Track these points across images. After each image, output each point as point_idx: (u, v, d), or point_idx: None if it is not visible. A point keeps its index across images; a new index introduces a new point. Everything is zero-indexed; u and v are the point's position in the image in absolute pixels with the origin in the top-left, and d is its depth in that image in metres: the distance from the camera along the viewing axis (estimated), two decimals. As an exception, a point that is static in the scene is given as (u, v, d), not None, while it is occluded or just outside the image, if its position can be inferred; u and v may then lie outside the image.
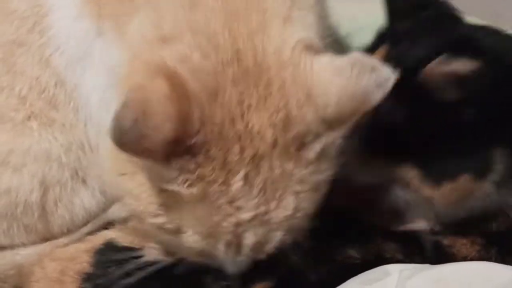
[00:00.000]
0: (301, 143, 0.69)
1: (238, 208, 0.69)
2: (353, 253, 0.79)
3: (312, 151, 0.70)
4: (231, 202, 0.69)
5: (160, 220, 0.72)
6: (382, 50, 0.84)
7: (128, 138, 0.63)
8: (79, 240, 0.91)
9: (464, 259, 0.79)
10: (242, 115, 0.68)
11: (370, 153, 0.81)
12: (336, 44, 0.90)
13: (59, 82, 0.88)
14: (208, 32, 0.71)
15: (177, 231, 0.72)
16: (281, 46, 0.70)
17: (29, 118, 0.89)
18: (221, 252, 0.72)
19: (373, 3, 0.94)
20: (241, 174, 0.68)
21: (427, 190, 0.80)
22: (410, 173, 0.80)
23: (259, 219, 0.70)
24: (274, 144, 0.68)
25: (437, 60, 0.74)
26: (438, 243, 0.81)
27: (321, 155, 0.70)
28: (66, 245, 0.91)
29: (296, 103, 0.68)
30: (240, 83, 0.69)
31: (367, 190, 0.83)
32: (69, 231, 0.94)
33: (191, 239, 0.71)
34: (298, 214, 0.71)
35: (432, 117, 0.77)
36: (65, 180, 0.90)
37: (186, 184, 0.68)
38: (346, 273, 0.76)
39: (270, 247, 0.72)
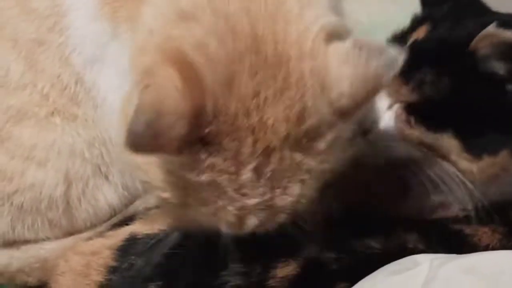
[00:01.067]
0: (314, 135, 0.69)
1: (244, 195, 0.70)
2: (374, 243, 0.80)
3: (324, 142, 0.70)
4: (238, 189, 0.70)
5: (166, 195, 0.73)
6: (421, 31, 0.85)
7: (143, 141, 0.64)
8: (101, 234, 0.92)
9: (486, 247, 0.80)
10: (257, 108, 0.68)
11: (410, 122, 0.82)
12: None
13: (79, 81, 0.89)
14: (227, 13, 0.69)
15: (182, 206, 0.72)
16: (303, 34, 0.69)
17: (52, 113, 0.90)
18: (224, 229, 0.73)
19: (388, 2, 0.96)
20: (252, 165, 0.69)
21: (466, 163, 0.81)
22: (450, 144, 0.80)
23: (263, 205, 0.71)
24: (287, 137, 0.68)
25: (488, 28, 0.75)
26: (461, 232, 0.82)
27: (332, 146, 0.70)
28: (89, 238, 0.93)
29: (312, 96, 0.68)
30: (258, 74, 0.68)
31: (403, 168, 0.84)
32: (92, 226, 0.95)
33: (195, 215, 0.73)
34: (302, 200, 0.72)
35: (477, 91, 0.78)
36: (87, 176, 0.92)
37: (196, 172, 0.68)
38: (367, 263, 0.77)
39: (271, 226, 0.73)
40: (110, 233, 0.92)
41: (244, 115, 0.67)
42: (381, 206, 0.84)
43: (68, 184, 0.91)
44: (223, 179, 0.69)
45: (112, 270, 0.86)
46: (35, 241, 0.95)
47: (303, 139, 0.69)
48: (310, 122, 0.68)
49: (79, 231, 0.95)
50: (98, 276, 0.86)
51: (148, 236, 0.86)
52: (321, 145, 0.70)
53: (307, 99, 0.68)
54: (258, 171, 0.69)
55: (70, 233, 0.95)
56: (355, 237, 0.81)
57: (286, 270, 0.80)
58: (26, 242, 0.95)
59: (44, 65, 0.89)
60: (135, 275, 0.84)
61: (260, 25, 0.69)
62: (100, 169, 0.92)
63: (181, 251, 0.83)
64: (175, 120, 0.63)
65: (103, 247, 0.89)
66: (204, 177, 0.69)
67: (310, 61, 0.69)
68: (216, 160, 0.68)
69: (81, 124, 0.91)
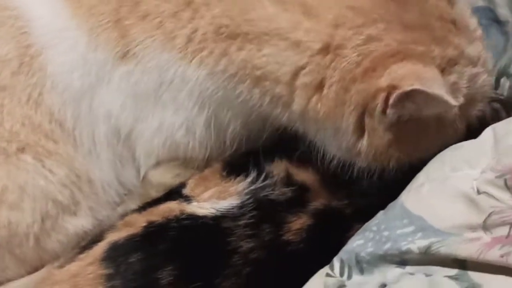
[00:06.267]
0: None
1: None
2: (379, 183, 0.91)
3: None
4: None
5: None
6: None
7: None
8: (73, 259, 0.93)
9: None
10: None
11: None
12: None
13: (54, 120, 0.92)
14: None
15: None
16: None
17: (23, 150, 0.90)
18: None
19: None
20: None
21: None
22: None
23: None
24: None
25: None
26: None
27: None
28: (61, 266, 0.93)
29: None
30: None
31: None
32: (62, 254, 0.97)
33: None
34: None
35: None
36: (56, 214, 0.94)
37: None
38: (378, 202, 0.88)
39: None
40: (83, 255, 0.92)
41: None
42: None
43: (41, 222, 0.93)
44: None
45: (110, 277, 0.87)
46: (4, 282, 0.95)
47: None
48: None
49: (49, 261, 0.96)
50: (96, 289, 0.87)
51: (132, 236, 0.90)
52: None
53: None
54: None
55: (40, 266, 0.96)
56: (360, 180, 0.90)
57: (299, 222, 0.88)
58: (-4, 285, 0.94)
59: (11, 109, 0.90)
60: (139, 270, 0.87)
61: None
62: (69, 208, 0.95)
63: (182, 233, 0.89)
64: None
65: (82, 267, 0.90)
66: None
67: None
68: None
69: (55, 160, 0.92)
